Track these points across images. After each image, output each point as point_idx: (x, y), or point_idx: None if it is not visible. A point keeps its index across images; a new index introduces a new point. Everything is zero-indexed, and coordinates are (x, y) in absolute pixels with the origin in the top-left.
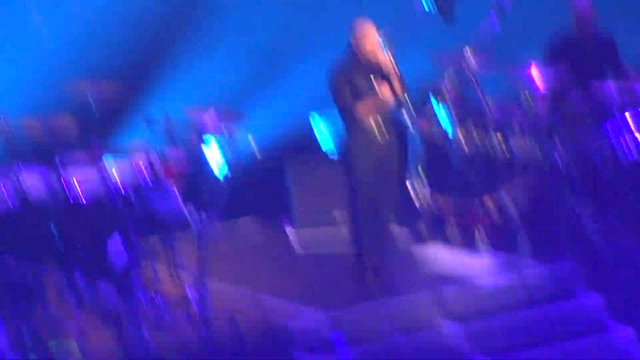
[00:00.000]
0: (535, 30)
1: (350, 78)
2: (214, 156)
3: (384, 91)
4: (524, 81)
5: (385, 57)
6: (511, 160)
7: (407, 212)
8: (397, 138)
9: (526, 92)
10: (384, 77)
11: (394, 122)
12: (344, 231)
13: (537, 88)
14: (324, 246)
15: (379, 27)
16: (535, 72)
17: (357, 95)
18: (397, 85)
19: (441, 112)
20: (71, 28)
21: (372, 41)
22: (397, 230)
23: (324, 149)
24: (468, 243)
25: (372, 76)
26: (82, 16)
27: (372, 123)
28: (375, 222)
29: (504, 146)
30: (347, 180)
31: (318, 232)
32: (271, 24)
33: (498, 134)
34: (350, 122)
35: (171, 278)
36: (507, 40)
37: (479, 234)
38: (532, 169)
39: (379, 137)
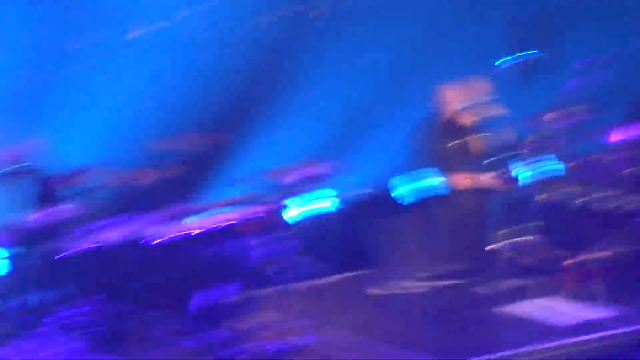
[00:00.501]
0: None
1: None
2: (295, 215)
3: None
4: (615, 138)
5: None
6: (594, 219)
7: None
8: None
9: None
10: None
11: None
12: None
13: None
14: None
15: (467, 88)
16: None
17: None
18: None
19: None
20: (165, 81)
21: (456, 105)
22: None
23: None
24: (582, 296)
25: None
26: (175, 69)
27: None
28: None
29: (584, 197)
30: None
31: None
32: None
33: (578, 185)
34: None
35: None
36: (595, 99)
37: (595, 287)
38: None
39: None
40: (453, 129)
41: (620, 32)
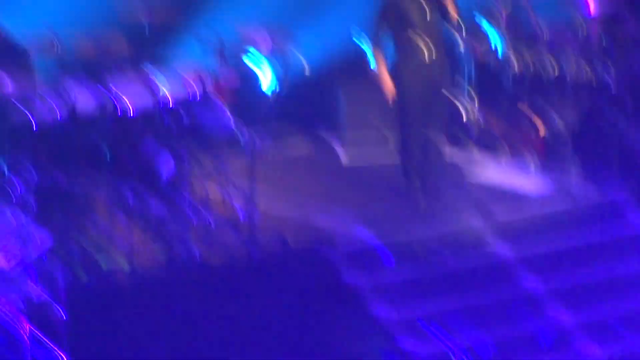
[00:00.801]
0: None
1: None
2: (265, 74)
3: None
4: (577, 3)
5: None
6: (563, 81)
7: (456, 130)
8: (446, 58)
9: (579, 14)
10: None
11: (444, 42)
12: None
13: (589, 10)
14: (373, 164)
15: None
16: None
17: (408, 17)
18: (449, 5)
19: (493, 33)
20: None
21: None
22: (446, 149)
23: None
24: (518, 162)
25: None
26: None
27: (422, 43)
28: (423, 140)
29: (556, 67)
30: (396, 99)
31: (368, 150)
32: None
33: (550, 55)
34: (400, 42)
35: (219, 192)
36: None
37: (529, 154)
38: (583, 90)
39: (427, 57)
40: None
41: None
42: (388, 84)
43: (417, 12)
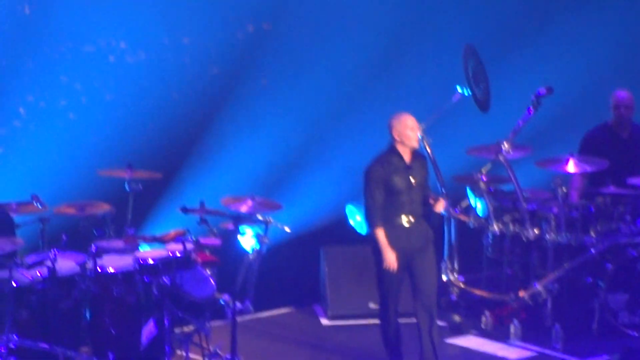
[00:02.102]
0: (573, 123)
1: (389, 173)
2: (250, 245)
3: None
4: (561, 174)
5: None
6: (547, 253)
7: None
8: (429, 228)
9: (562, 185)
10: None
11: (428, 215)
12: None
13: (574, 181)
14: (358, 338)
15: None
16: (572, 166)
17: (395, 188)
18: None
19: (478, 204)
20: (108, 115)
21: (416, 136)
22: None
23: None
24: (502, 335)
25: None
26: (119, 104)
27: (404, 217)
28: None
29: (537, 231)
30: (377, 274)
31: (353, 323)
32: (307, 114)
33: (534, 227)
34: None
35: (201, 354)
36: (545, 133)
37: (514, 327)
38: (568, 261)
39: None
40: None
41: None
42: None
43: (404, 185)
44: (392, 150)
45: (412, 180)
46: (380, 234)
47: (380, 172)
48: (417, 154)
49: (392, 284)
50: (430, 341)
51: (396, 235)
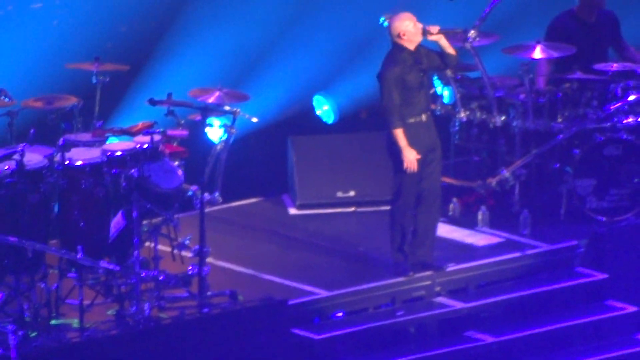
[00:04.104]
0: (540, 10)
1: (404, 74)
2: (217, 136)
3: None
4: (528, 61)
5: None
6: (514, 139)
7: None
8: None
9: (529, 71)
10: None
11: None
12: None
13: (540, 68)
14: (326, 227)
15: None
16: (539, 52)
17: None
18: None
19: (445, 92)
20: (75, 7)
21: (419, 29)
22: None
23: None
24: (470, 222)
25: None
26: None
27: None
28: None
29: (504, 117)
30: (395, 174)
31: (321, 212)
32: (274, 3)
33: (502, 114)
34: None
35: (172, 255)
36: (512, 20)
37: (481, 213)
38: (536, 148)
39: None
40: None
41: None
42: None
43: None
44: (400, 49)
45: (424, 76)
46: (400, 134)
47: (397, 71)
48: (419, 48)
49: (412, 184)
50: (432, 237)
51: (416, 133)
